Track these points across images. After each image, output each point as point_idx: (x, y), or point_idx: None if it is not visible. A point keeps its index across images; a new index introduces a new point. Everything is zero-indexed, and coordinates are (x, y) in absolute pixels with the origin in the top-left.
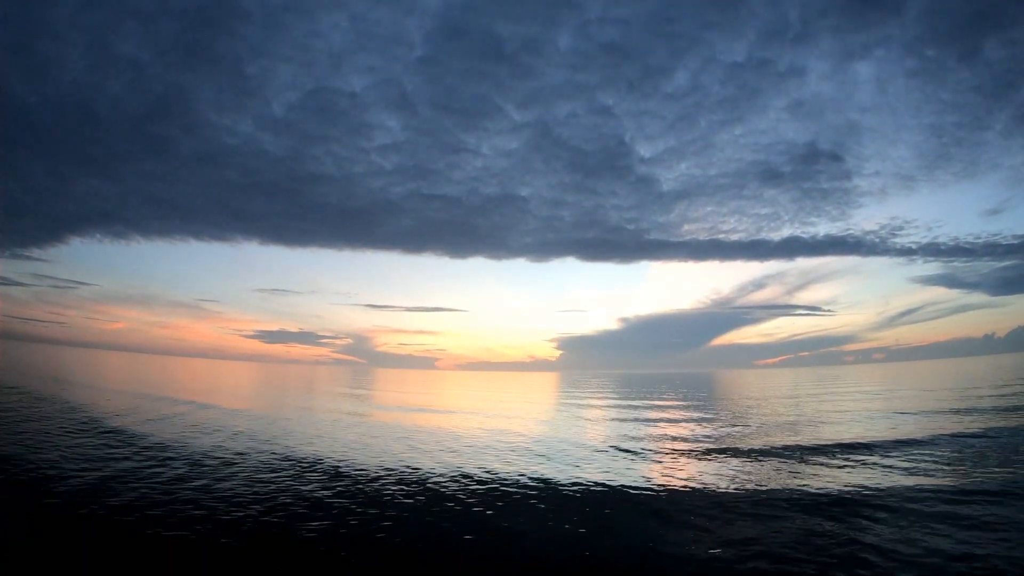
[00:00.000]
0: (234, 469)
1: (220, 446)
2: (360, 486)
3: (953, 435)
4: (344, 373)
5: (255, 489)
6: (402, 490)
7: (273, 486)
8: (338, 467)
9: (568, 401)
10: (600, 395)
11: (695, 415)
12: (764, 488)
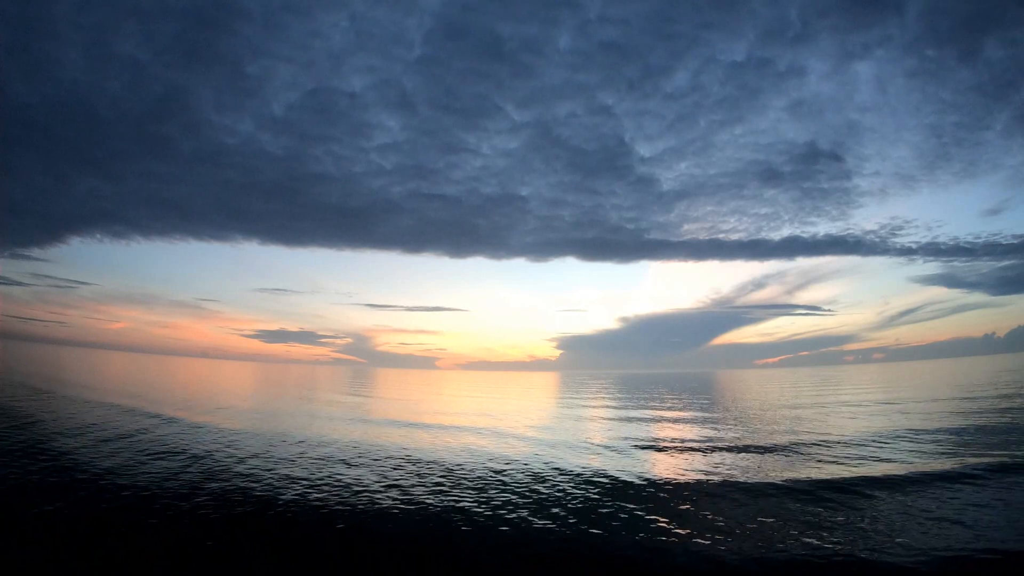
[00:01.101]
0: (174, 512)
1: (168, 477)
2: (312, 531)
3: (988, 468)
4: (342, 374)
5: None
6: (361, 540)
7: (212, 542)
8: (296, 509)
9: (564, 410)
10: (598, 400)
11: (694, 431)
12: (769, 542)
